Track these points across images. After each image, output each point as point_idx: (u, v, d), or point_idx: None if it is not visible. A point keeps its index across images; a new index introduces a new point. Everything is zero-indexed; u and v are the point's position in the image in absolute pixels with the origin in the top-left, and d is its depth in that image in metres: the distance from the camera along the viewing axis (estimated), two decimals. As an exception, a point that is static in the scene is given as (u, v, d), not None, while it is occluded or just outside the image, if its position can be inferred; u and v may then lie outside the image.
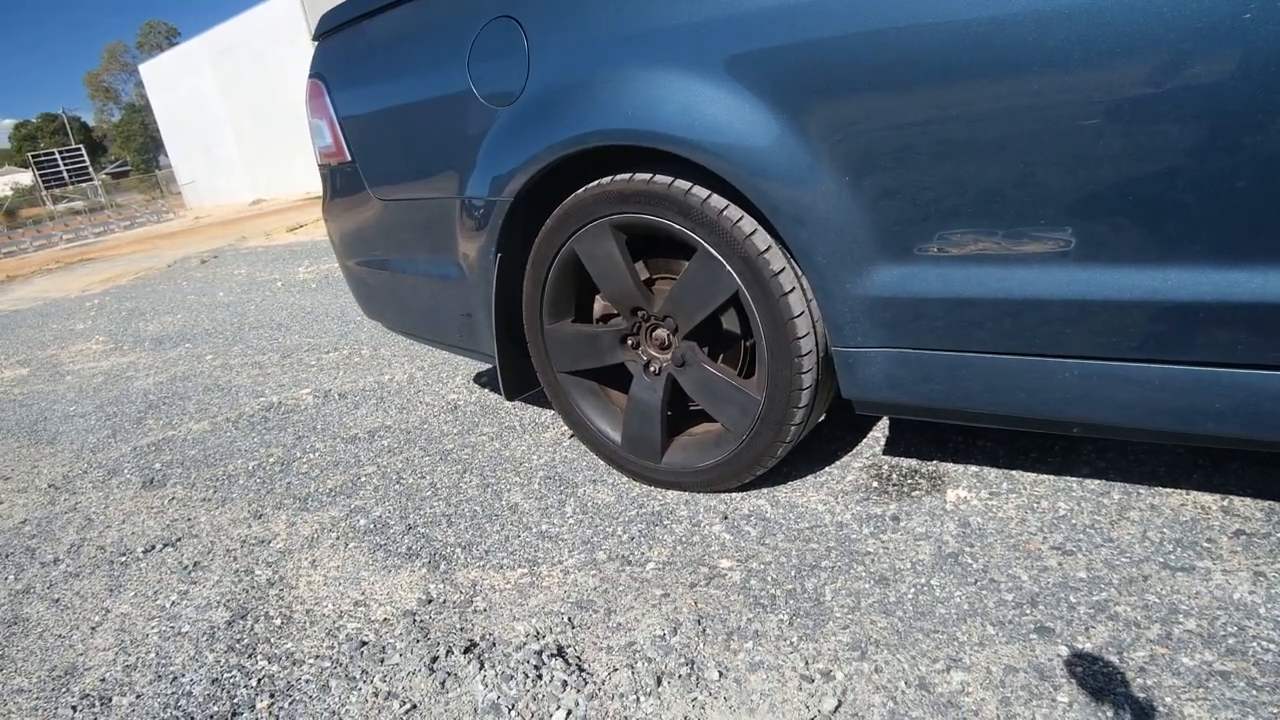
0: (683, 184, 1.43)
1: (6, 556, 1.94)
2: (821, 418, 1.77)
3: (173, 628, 1.49)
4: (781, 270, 1.38)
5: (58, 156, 32.49)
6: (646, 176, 1.48)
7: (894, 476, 1.63)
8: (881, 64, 1.12)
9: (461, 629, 1.34)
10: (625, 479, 1.80)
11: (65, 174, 32.20)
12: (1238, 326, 1.02)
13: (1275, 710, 0.95)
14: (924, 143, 1.13)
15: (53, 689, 1.37)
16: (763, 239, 1.38)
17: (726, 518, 1.57)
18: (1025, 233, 1.13)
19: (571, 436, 2.08)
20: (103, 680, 1.37)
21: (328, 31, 2.12)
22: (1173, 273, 1.04)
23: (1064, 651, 1.09)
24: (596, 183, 1.56)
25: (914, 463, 1.67)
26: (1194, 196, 0.98)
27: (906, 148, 1.15)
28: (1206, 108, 0.94)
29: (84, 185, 32.22)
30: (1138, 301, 1.07)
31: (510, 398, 1.90)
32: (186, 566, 1.72)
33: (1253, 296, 0.99)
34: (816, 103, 1.20)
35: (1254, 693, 0.98)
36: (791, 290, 1.38)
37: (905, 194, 1.18)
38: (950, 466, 1.63)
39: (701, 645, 1.21)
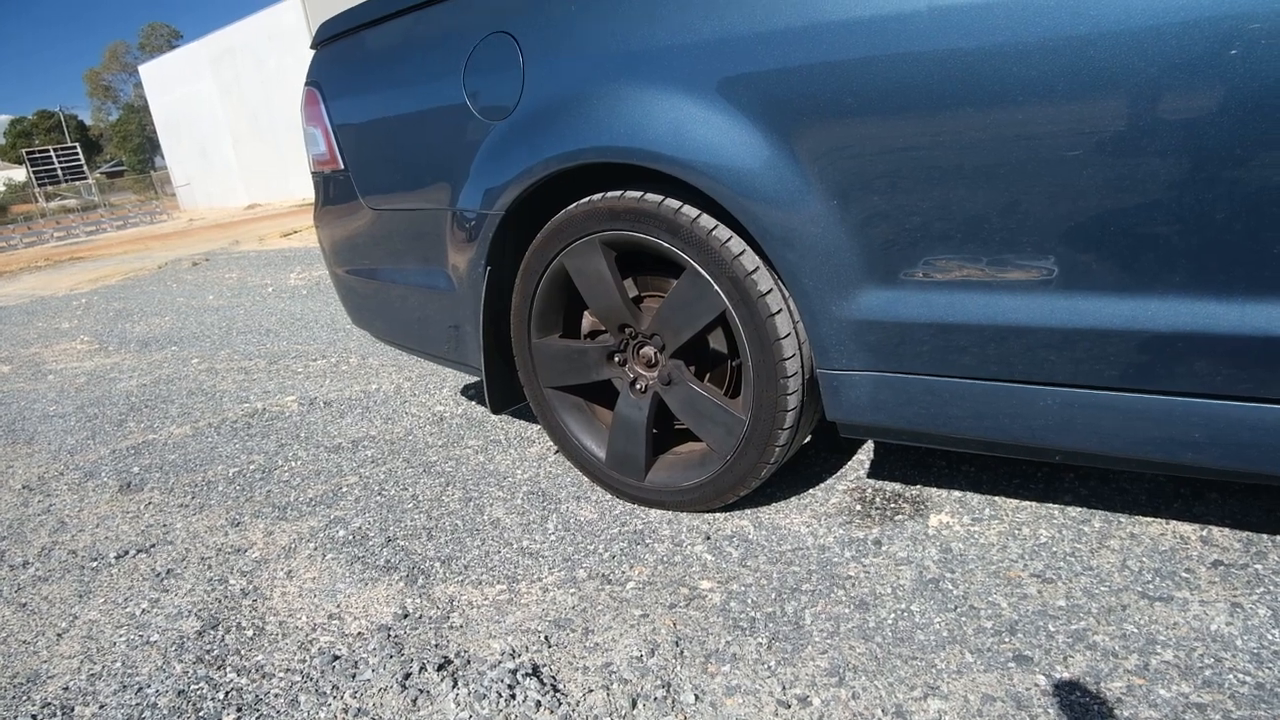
0: (672, 203, 1.43)
1: (-22, 559, 1.91)
2: (807, 439, 1.77)
3: (141, 636, 1.47)
4: (769, 291, 1.38)
5: (53, 154, 32.41)
6: (637, 194, 1.48)
7: (877, 500, 1.63)
8: (871, 91, 1.12)
9: (436, 645, 1.32)
10: (609, 496, 1.79)
11: (60, 171, 32.12)
12: (1216, 358, 1.02)
13: (1250, 746, 0.95)
14: (911, 169, 1.14)
15: (14, 696, 1.34)
16: (751, 259, 1.38)
17: (709, 538, 1.56)
18: (1009, 260, 1.13)
19: (556, 452, 2.07)
20: (65, 689, 1.34)
21: (326, 40, 2.12)
22: (1153, 303, 1.05)
23: (1042, 681, 1.08)
24: (587, 199, 1.56)
25: (898, 486, 1.67)
26: (1174, 229, 0.99)
27: (894, 174, 1.15)
28: (1186, 142, 0.95)
29: (78, 183, 32.14)
30: (1118, 331, 1.07)
31: (496, 411, 1.89)
32: (159, 574, 1.70)
33: (1231, 329, 1.00)
34: (806, 127, 1.20)
35: (1229, 728, 0.97)
36: (779, 311, 1.38)
37: (892, 219, 1.18)
38: (934, 491, 1.63)
39: (679, 667, 1.20)
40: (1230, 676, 1.05)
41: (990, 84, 1.04)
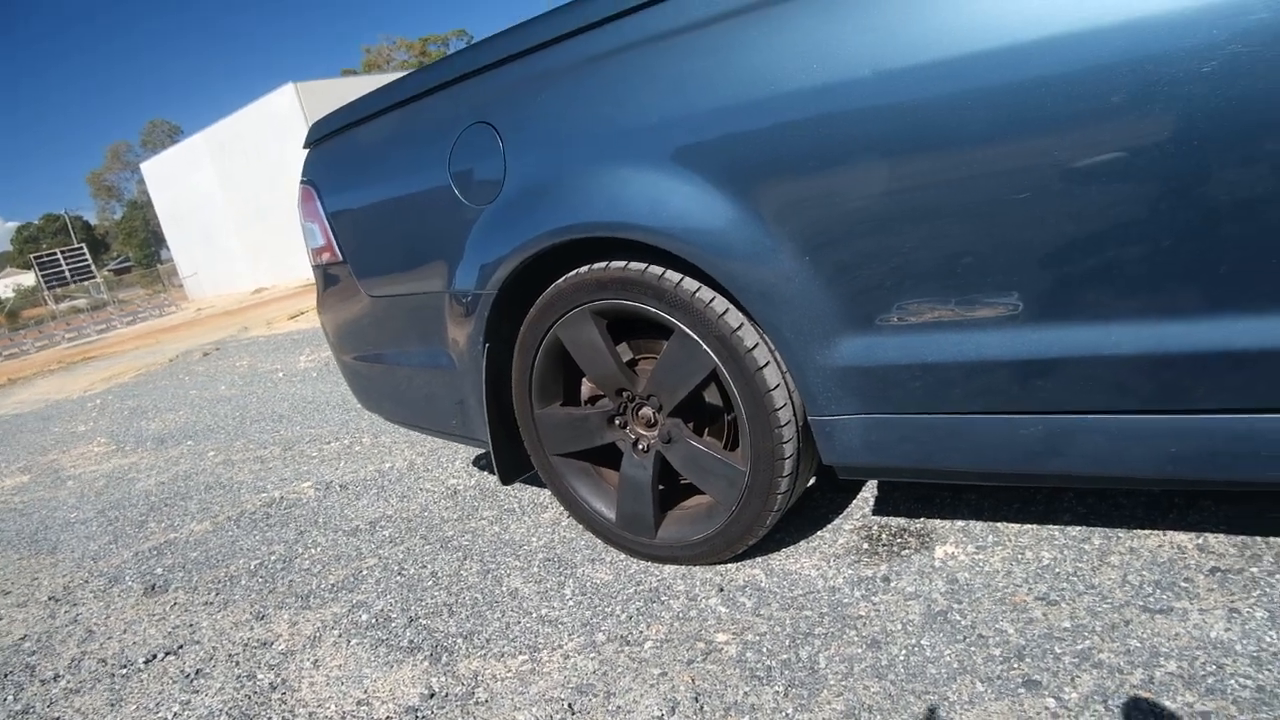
0: (655, 270, 1.50)
1: (6, 676, 1.95)
2: (810, 483, 1.81)
3: (180, 737, 1.51)
4: (755, 346, 1.44)
5: (59, 256, 33.07)
6: (621, 264, 1.55)
7: (884, 536, 1.66)
8: (821, 148, 1.20)
9: (464, 720, 1.36)
10: (623, 556, 1.83)
11: (67, 273, 32.73)
12: (1182, 375, 1.07)
13: (1258, 753, 0.97)
14: (870, 220, 1.20)
15: (63, 808, 1.37)
16: (735, 317, 1.45)
17: (722, 589, 1.60)
18: (976, 299, 1.19)
19: (569, 516, 2.11)
20: (112, 796, 1.38)
21: (318, 140, 2.23)
22: (1114, 329, 1.10)
23: (1051, 704, 1.11)
24: (574, 272, 1.63)
25: (903, 521, 1.70)
26: (1126, 258, 1.05)
27: (855, 225, 1.22)
28: (1131, 177, 1.01)
29: (86, 283, 32.73)
30: (1086, 358, 1.12)
31: (506, 482, 1.94)
32: (188, 675, 1.74)
33: (1192, 347, 1.05)
34: (767, 188, 1.28)
35: (1236, 736, 1.00)
36: (766, 364, 1.44)
37: (860, 269, 1.25)
38: (938, 523, 1.66)
39: (699, 722, 1.23)
40: (1232, 682, 1.07)
41: (934, 135, 1.11)
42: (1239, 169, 0.96)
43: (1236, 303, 1.01)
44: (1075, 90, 1.00)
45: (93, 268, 33.11)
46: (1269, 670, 1.08)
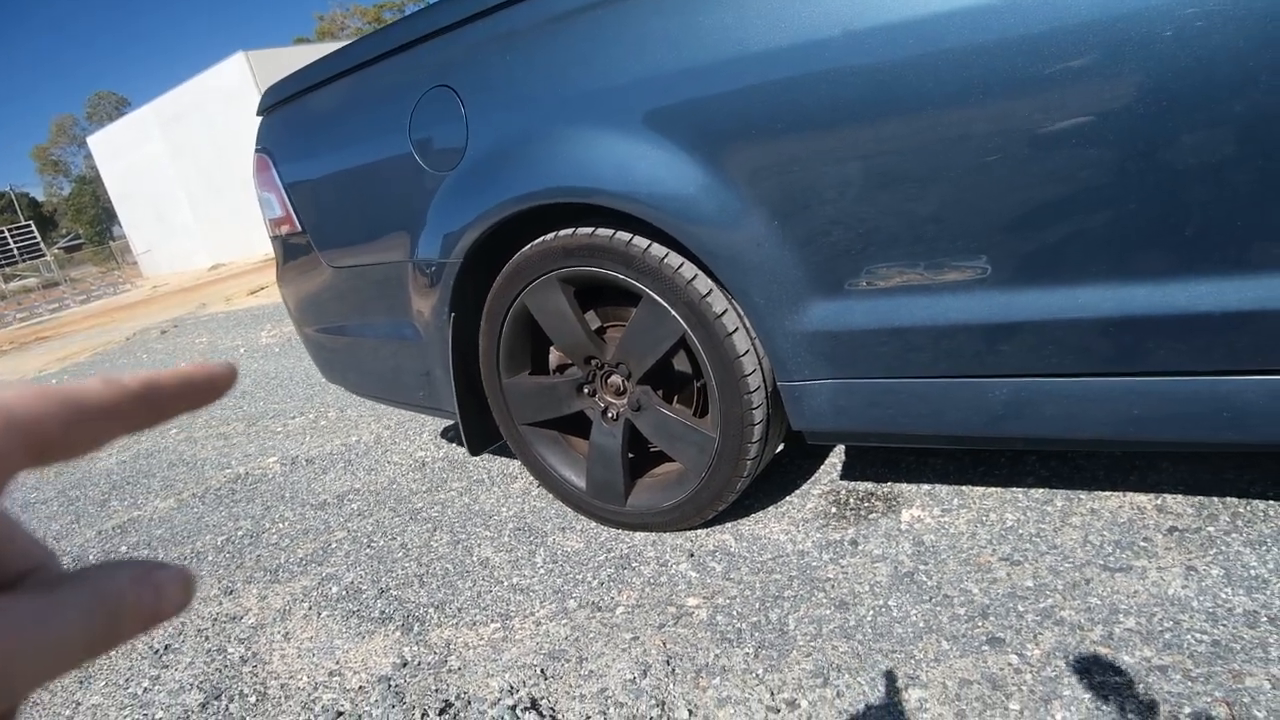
0: (623, 236, 1.49)
1: (-28, 655, 1.91)
2: (779, 449, 1.83)
3: (145, 715, 1.49)
4: (724, 312, 1.43)
5: (7, 234, 32.02)
6: (589, 230, 1.53)
7: (851, 501, 1.68)
8: (790, 111, 1.19)
9: (436, 690, 1.35)
10: (594, 524, 1.83)
11: (15, 252, 31.72)
12: (1143, 336, 1.09)
13: (1209, 699, 1.00)
14: (839, 183, 1.20)
15: (26, 788, 1.35)
16: (704, 283, 1.44)
17: (693, 555, 1.61)
18: (944, 263, 1.19)
19: (539, 486, 2.10)
20: (77, 774, 1.36)
21: (271, 106, 2.16)
22: (1079, 292, 1.11)
23: (1014, 660, 1.13)
24: (541, 239, 1.61)
25: (870, 485, 1.73)
26: (1091, 220, 1.06)
27: (824, 189, 1.22)
28: (1098, 140, 1.02)
29: (36, 261, 31.75)
30: (1051, 321, 1.14)
31: (475, 453, 1.92)
32: (157, 651, 1.71)
33: (1155, 310, 1.06)
34: (735, 151, 1.26)
35: (1189, 684, 1.03)
36: (735, 330, 1.43)
37: (829, 233, 1.24)
38: (905, 486, 1.68)
39: (671, 685, 1.24)
40: (1189, 637, 1.11)
41: (900, 96, 1.10)
42: (1203, 132, 0.96)
43: (1199, 266, 1.02)
44: (1043, 52, 1.00)
45: (42, 246, 32.13)
46: (1224, 625, 1.11)
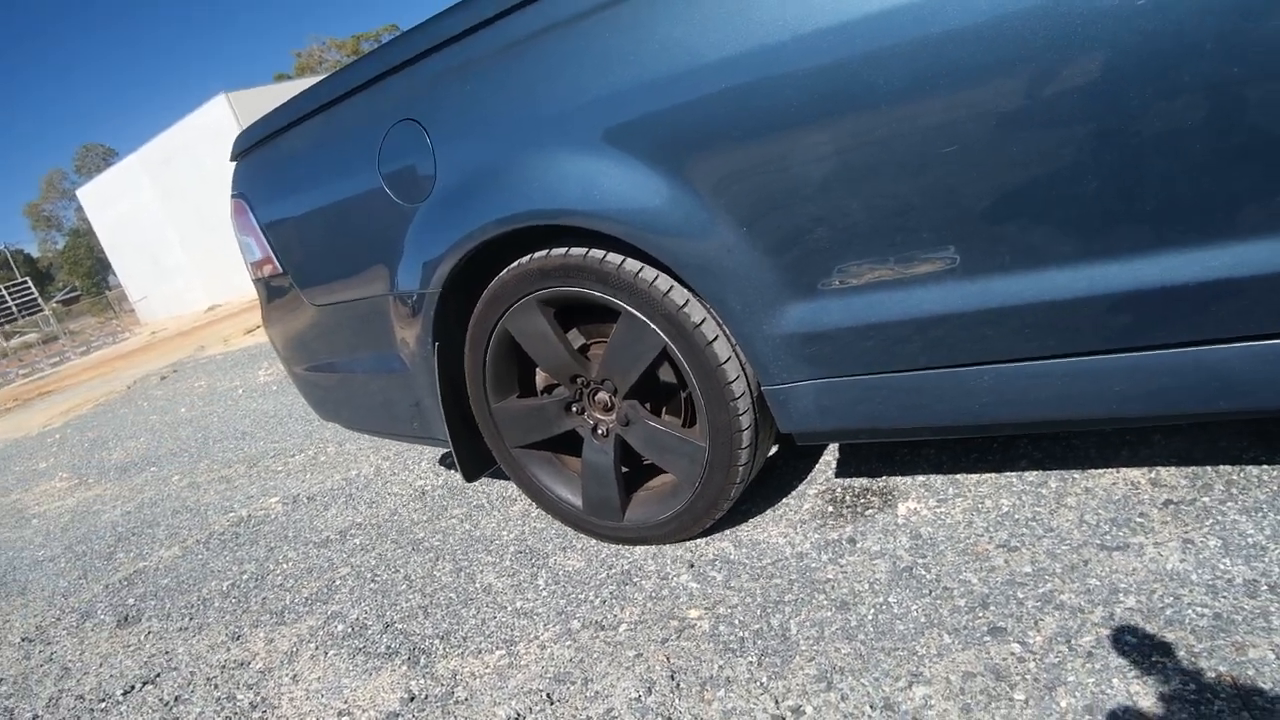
0: (597, 253, 1.49)
1: (-15, 721, 1.91)
2: (771, 452, 1.82)
3: (158, 769, 1.48)
4: (703, 321, 1.43)
5: (3, 292, 32.15)
6: (562, 251, 1.53)
7: (847, 498, 1.67)
8: (745, 117, 1.19)
9: (444, 722, 1.35)
10: (593, 542, 1.83)
11: (14, 309, 31.84)
12: (1123, 313, 1.08)
13: (1214, 674, 1.00)
14: (802, 185, 1.20)
15: None
16: (680, 294, 1.44)
17: (692, 565, 1.60)
18: (914, 255, 1.19)
19: (537, 507, 2.10)
20: (92, 836, 1.35)
21: (244, 150, 2.17)
22: (1051, 274, 1.11)
23: (1017, 649, 1.13)
24: (517, 263, 1.61)
25: (865, 481, 1.72)
26: (1057, 202, 1.06)
27: (788, 191, 1.21)
28: (1055, 122, 1.02)
29: (35, 317, 31.86)
30: (1027, 305, 1.13)
31: (470, 479, 1.92)
32: (167, 702, 1.71)
33: (1130, 285, 1.06)
34: (696, 161, 1.27)
35: (1193, 659, 1.02)
36: (715, 339, 1.43)
37: (796, 234, 1.24)
38: (899, 480, 1.68)
39: (676, 700, 1.23)
40: (1190, 611, 1.10)
41: (856, 95, 1.10)
42: (1161, 103, 0.96)
43: (1168, 238, 1.02)
44: (991, 37, 1.00)
45: (40, 301, 32.27)
46: (1224, 597, 1.11)
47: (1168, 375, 1.11)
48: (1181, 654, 1.04)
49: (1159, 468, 1.43)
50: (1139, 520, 1.31)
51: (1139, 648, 1.07)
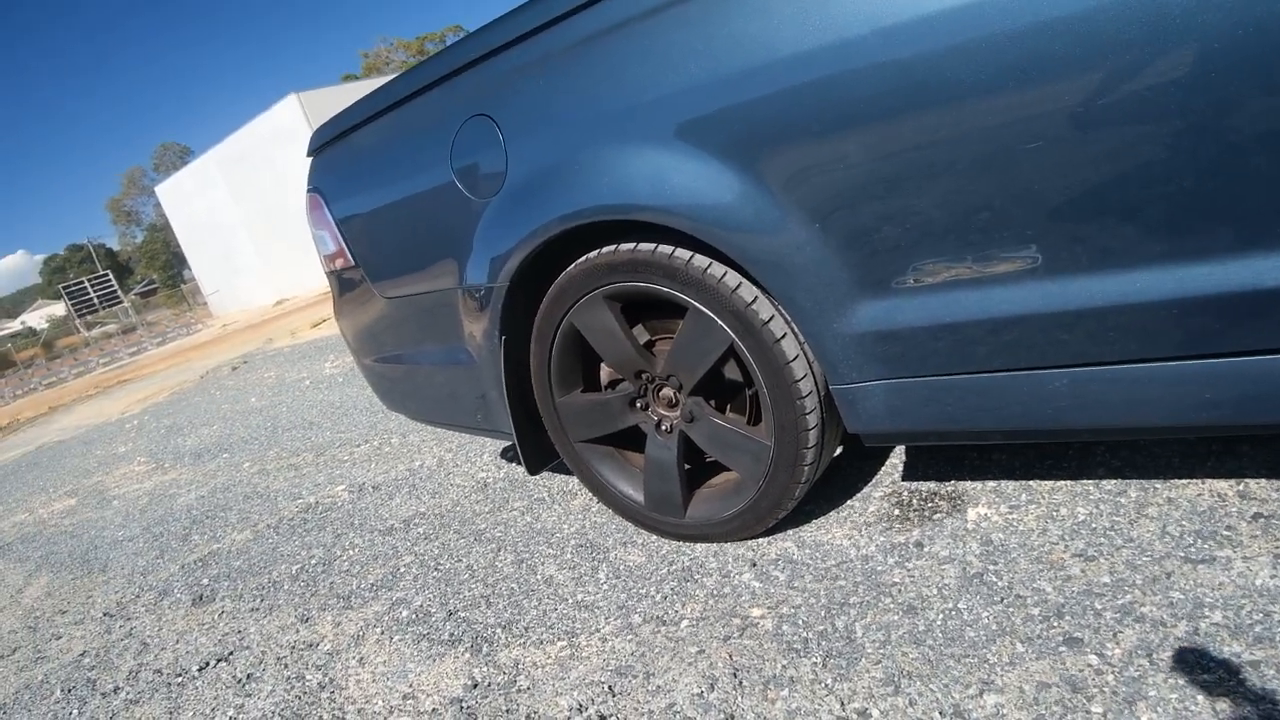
0: (665, 249, 1.49)
1: (70, 691, 2.01)
2: (837, 453, 1.80)
3: (233, 742, 1.54)
4: (771, 318, 1.42)
5: (87, 284, 33.72)
6: (630, 246, 1.54)
7: (914, 502, 1.64)
8: (822, 112, 1.18)
9: (508, 711, 1.37)
10: (654, 538, 1.84)
11: (95, 300, 33.38)
12: (1211, 318, 1.04)
13: (1310, 696, 0.95)
14: (878, 181, 1.18)
15: (126, 817, 1.41)
16: (749, 291, 1.43)
17: (755, 564, 1.59)
18: (993, 254, 1.16)
19: (598, 502, 2.11)
20: (172, 803, 1.41)
21: (320, 147, 2.23)
22: (1137, 276, 1.07)
23: (1094, 660, 1.09)
24: (584, 258, 1.62)
25: (933, 485, 1.69)
26: (1141, 202, 1.02)
27: (863, 188, 1.20)
28: (1144, 117, 0.98)
29: (115, 308, 33.35)
30: (1110, 307, 1.10)
31: (533, 472, 1.95)
32: (240, 680, 1.77)
33: (1219, 289, 1.02)
34: (769, 156, 1.26)
35: (1287, 680, 0.98)
36: (784, 336, 1.42)
37: (872, 232, 1.22)
38: (969, 484, 1.64)
39: (739, 698, 1.23)
40: (1281, 628, 1.05)
41: (936, 89, 1.08)
42: (1257, 100, 0.92)
43: (1263, 239, 0.98)
44: (1080, 30, 0.98)
45: (119, 293, 33.74)
46: (1317, 612, 1.05)
47: (1261, 382, 1.06)
48: (1271, 673, 0.99)
49: (1248, 479, 1.37)
50: (1226, 533, 1.26)
51: (1225, 665, 1.02)
